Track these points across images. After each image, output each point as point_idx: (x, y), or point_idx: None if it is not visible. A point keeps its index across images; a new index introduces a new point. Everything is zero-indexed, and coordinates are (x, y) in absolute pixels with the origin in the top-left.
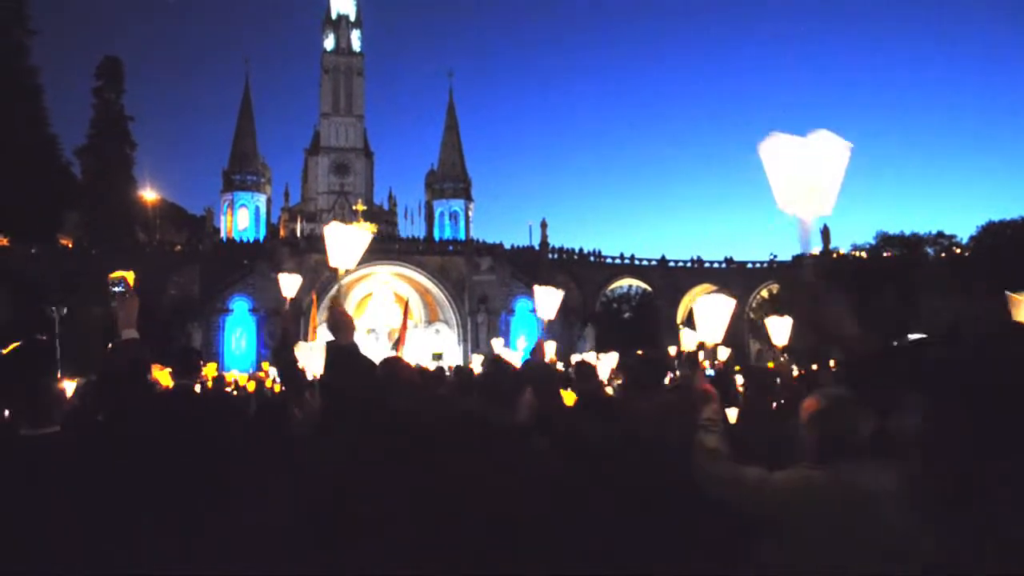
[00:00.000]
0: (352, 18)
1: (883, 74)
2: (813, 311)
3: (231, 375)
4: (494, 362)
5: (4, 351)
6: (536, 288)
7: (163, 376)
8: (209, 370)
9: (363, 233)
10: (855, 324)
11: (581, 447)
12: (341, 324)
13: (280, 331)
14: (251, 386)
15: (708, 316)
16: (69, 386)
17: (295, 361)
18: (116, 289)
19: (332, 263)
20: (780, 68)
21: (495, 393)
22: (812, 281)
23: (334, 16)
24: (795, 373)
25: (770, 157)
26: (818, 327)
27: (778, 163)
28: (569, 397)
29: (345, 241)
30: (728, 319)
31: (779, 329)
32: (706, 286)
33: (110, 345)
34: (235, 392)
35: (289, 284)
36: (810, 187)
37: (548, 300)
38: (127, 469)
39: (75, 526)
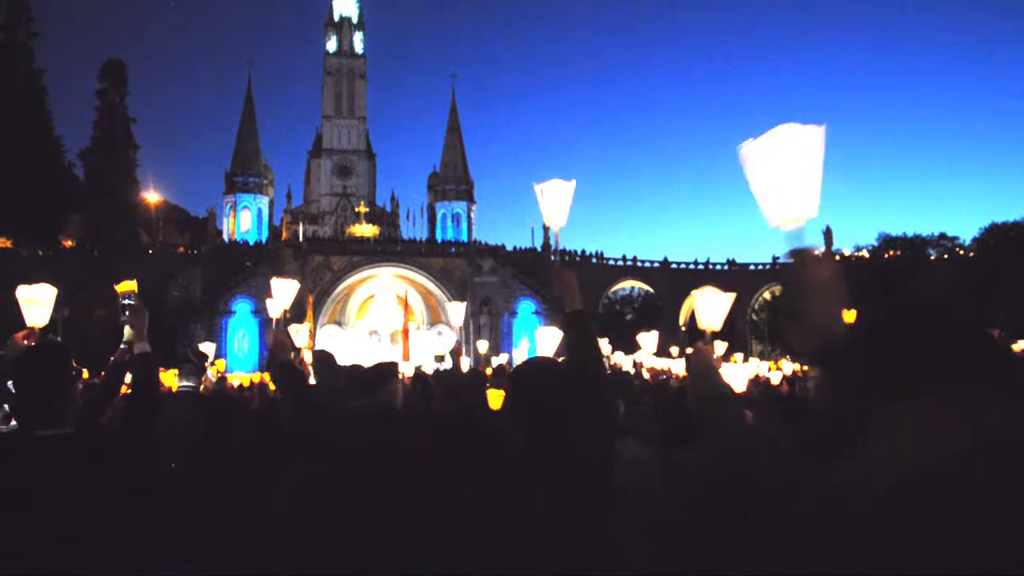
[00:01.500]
0: (354, 20)
1: (886, 76)
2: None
3: (233, 376)
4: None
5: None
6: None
7: (167, 377)
8: (219, 366)
9: (295, 284)
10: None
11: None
12: (282, 345)
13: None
14: (256, 378)
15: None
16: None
17: (292, 364)
18: (126, 302)
19: (275, 303)
20: (782, 69)
21: (364, 382)
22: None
23: (336, 18)
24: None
25: (750, 166)
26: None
27: (757, 172)
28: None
29: (284, 290)
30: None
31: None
32: (708, 287)
33: (125, 358)
34: (242, 393)
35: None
36: (789, 190)
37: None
38: (135, 470)
39: (85, 527)
